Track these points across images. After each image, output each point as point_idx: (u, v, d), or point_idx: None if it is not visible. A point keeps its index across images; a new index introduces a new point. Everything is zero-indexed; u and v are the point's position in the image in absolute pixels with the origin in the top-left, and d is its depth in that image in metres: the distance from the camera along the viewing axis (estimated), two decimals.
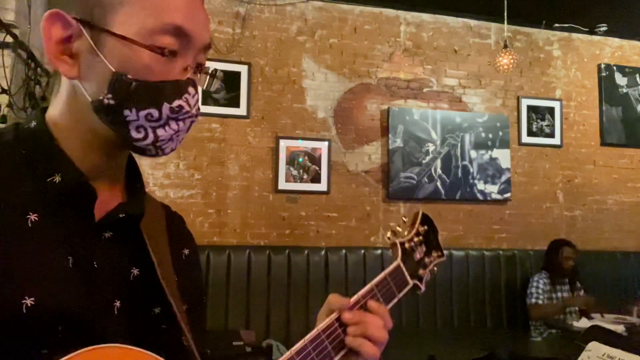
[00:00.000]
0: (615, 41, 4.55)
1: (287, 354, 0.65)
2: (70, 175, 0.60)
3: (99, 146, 0.62)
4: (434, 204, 3.92)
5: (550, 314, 3.47)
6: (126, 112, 0.58)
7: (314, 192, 3.76)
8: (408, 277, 0.84)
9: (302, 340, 0.68)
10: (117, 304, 0.61)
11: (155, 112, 0.58)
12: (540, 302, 3.52)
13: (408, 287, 0.83)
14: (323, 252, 3.60)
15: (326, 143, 3.80)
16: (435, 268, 0.90)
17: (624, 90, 4.51)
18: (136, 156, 0.70)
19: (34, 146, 0.61)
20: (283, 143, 3.72)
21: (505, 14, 3.64)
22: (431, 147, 3.98)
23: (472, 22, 4.22)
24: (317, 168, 3.76)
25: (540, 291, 3.54)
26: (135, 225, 0.66)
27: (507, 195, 4.10)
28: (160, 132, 0.60)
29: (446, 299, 3.75)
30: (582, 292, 3.60)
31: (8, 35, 2.73)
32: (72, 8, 0.59)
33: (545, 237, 4.18)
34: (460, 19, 4.19)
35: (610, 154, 4.43)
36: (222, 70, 3.66)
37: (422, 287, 0.87)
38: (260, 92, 3.76)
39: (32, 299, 0.52)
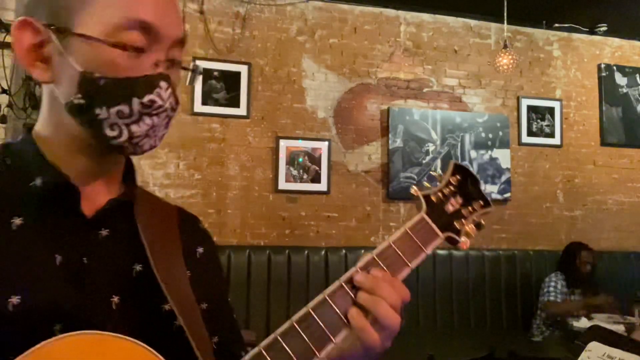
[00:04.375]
0: (615, 41, 4.55)
1: (288, 322, 0.59)
2: (50, 177, 0.60)
3: (82, 151, 0.63)
4: None
5: (569, 311, 3.37)
6: (97, 110, 0.58)
7: (314, 192, 3.76)
8: (437, 229, 0.71)
9: (305, 308, 0.60)
10: (115, 299, 0.61)
11: (125, 108, 0.58)
12: (557, 300, 3.48)
13: (438, 241, 0.71)
14: (323, 252, 3.60)
15: (326, 143, 3.80)
16: (481, 220, 0.76)
17: (624, 90, 4.50)
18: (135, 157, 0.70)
19: (18, 157, 0.63)
20: (283, 143, 3.72)
21: (505, 14, 3.64)
22: (431, 147, 3.98)
23: (472, 22, 4.22)
24: (317, 168, 3.76)
25: (558, 291, 3.50)
26: (130, 220, 0.66)
27: (507, 195, 4.10)
28: (134, 128, 0.60)
29: (446, 299, 3.75)
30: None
31: (8, 35, 2.73)
32: (40, 14, 0.60)
33: (545, 237, 4.18)
34: (460, 19, 4.19)
35: (610, 154, 4.43)
36: (222, 71, 3.66)
37: (460, 240, 0.73)
38: (260, 92, 3.76)
39: (18, 297, 0.53)
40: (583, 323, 3.05)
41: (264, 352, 0.56)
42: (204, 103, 3.61)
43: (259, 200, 3.68)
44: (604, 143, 4.41)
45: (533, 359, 3.11)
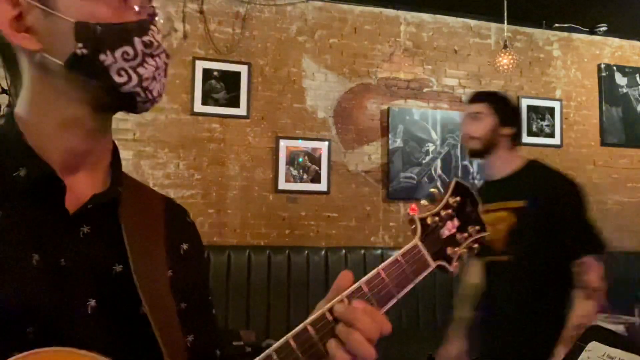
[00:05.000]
0: (615, 41, 4.55)
1: (267, 351, 0.59)
2: (35, 168, 0.58)
3: (70, 128, 0.61)
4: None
5: None
6: (102, 56, 0.58)
7: (314, 192, 3.76)
8: (429, 259, 0.68)
9: (285, 337, 0.60)
10: (92, 302, 0.58)
11: (130, 50, 0.59)
12: None
13: (428, 271, 0.69)
14: (323, 252, 3.60)
15: (326, 143, 3.80)
16: (475, 245, 0.74)
17: (624, 90, 4.51)
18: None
19: (1, 144, 0.61)
20: (283, 143, 3.72)
21: (505, 14, 3.64)
22: (431, 147, 3.98)
23: (472, 22, 4.22)
24: (317, 168, 3.76)
25: None
26: (113, 217, 0.63)
27: None
28: (141, 70, 0.60)
29: (446, 299, 3.75)
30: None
31: None
32: None
33: None
34: (460, 19, 4.19)
35: (610, 154, 4.43)
36: (222, 71, 3.66)
37: (451, 268, 0.71)
38: (260, 92, 3.75)
39: None
40: None
41: None
42: (204, 103, 3.61)
43: (259, 200, 3.68)
44: (604, 143, 4.41)
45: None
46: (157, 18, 0.65)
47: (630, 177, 4.47)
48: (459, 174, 4.00)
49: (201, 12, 3.67)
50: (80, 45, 0.57)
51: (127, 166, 3.39)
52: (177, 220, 0.75)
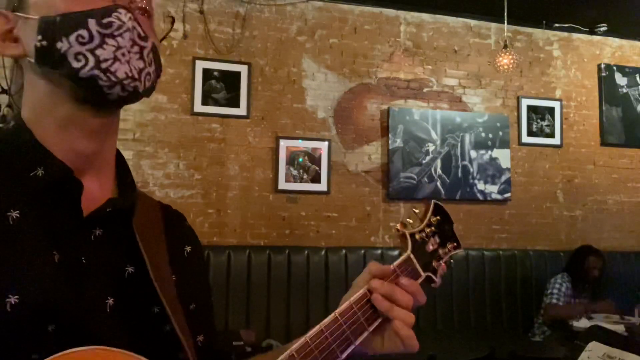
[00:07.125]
0: (615, 41, 4.55)
1: (316, 327, 0.64)
2: (53, 168, 0.58)
3: (73, 125, 0.61)
4: None
5: (567, 316, 3.33)
6: (58, 44, 0.57)
7: (314, 192, 3.76)
8: (420, 269, 0.77)
9: (332, 314, 0.66)
10: (110, 301, 0.59)
11: (84, 32, 0.57)
12: (559, 303, 3.47)
13: (420, 280, 0.76)
14: (323, 252, 3.60)
15: (326, 143, 3.80)
16: (452, 260, 0.84)
17: (624, 90, 4.50)
18: (131, 155, 0.69)
19: (14, 144, 0.60)
20: (283, 143, 3.72)
21: (505, 14, 3.64)
22: (431, 147, 3.97)
23: (472, 22, 4.22)
24: (317, 168, 3.76)
25: (561, 294, 3.48)
26: (126, 221, 0.64)
27: (507, 195, 4.10)
28: (98, 51, 0.57)
29: (446, 299, 3.75)
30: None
31: None
32: (2, 2, 0.61)
33: (545, 237, 4.18)
34: (460, 19, 4.19)
35: (610, 154, 4.43)
36: (222, 71, 3.66)
37: (437, 280, 0.79)
38: (260, 92, 3.76)
39: (16, 297, 0.51)
40: (583, 323, 3.05)
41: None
42: (204, 103, 3.61)
43: (259, 200, 3.68)
44: (604, 143, 4.41)
45: (533, 359, 3.10)
46: (141, 11, 0.62)
47: (630, 177, 4.47)
48: (459, 174, 4.00)
49: (201, 12, 3.67)
50: (39, 37, 0.57)
51: None
52: (177, 226, 0.77)
